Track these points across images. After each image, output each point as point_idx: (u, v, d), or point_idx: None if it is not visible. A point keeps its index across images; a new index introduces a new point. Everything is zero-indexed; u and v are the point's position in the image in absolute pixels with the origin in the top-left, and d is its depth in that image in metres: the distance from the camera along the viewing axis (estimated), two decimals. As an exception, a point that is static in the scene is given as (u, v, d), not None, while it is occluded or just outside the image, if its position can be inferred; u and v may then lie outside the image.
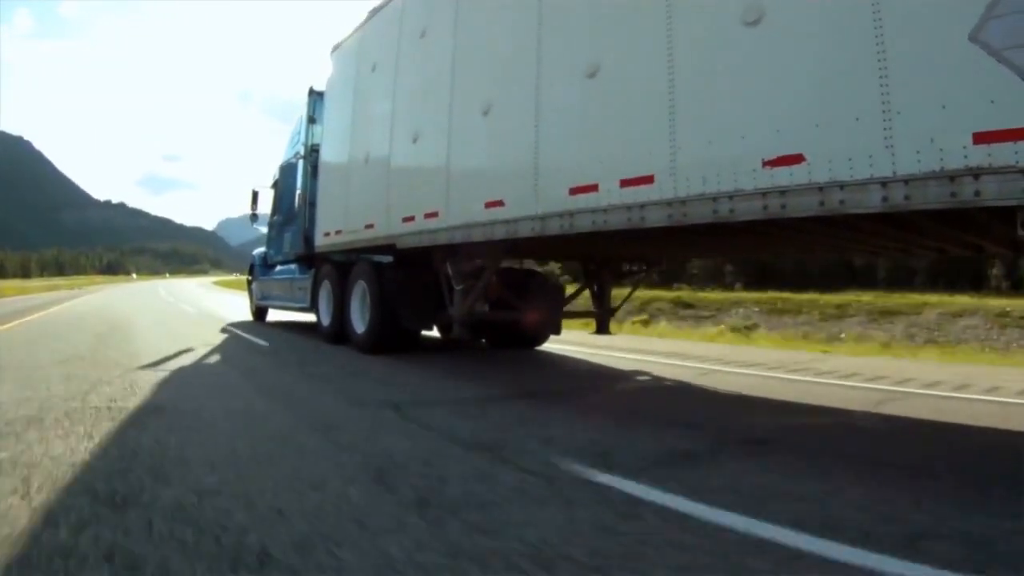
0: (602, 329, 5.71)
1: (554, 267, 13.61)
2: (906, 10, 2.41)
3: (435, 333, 6.80)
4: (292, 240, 8.41)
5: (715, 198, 2.84)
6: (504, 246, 4.35)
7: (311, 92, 7.94)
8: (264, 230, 10.09)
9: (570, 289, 6.62)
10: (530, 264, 6.47)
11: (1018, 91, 2.17)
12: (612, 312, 5.79)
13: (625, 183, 3.25)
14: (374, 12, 6.24)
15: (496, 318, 5.89)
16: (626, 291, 6.52)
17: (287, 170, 8.92)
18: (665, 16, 3.14)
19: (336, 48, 7.15)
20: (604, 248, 4.83)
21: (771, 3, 2.76)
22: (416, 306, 5.63)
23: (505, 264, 5.48)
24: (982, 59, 2.23)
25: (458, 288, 5.01)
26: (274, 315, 10.46)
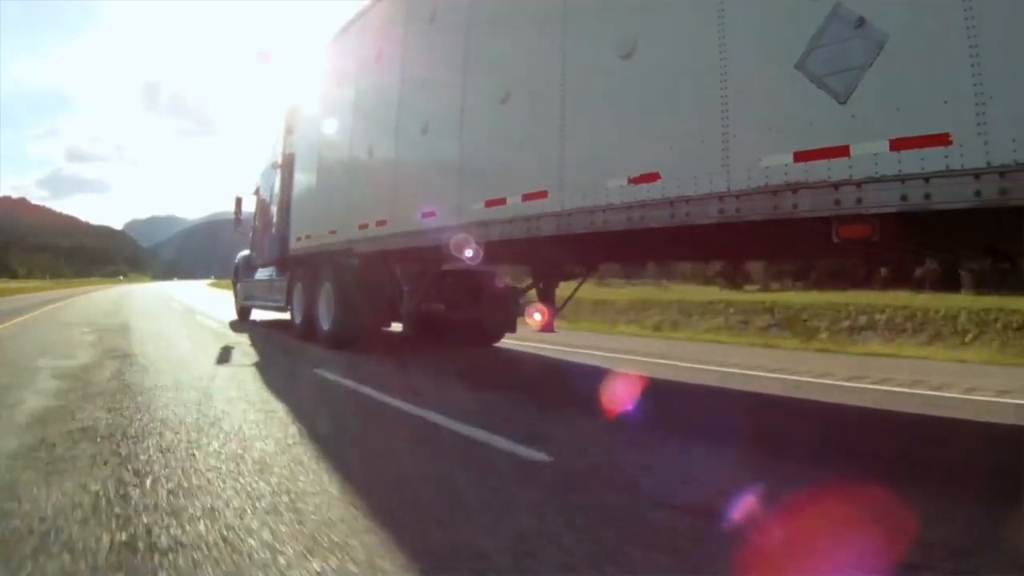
0: (547, 328, 6.13)
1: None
2: (747, 44, 2.78)
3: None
4: (270, 244, 8.88)
5: (591, 211, 3.27)
6: (440, 252, 4.78)
7: (286, 102, 8.40)
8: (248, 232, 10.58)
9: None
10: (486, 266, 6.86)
11: (833, 113, 2.53)
12: (557, 311, 6.20)
13: (526, 197, 3.68)
14: (341, 32, 6.68)
15: (453, 317, 6.31)
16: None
17: (266, 177, 9.41)
18: (559, 48, 3.56)
19: (306, 67, 7.62)
20: (542, 253, 5.24)
21: (642, 39, 3.17)
22: (374, 305, 6.06)
23: (463, 267, 5.90)
24: (805, 85, 2.59)
25: (406, 289, 5.44)
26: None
